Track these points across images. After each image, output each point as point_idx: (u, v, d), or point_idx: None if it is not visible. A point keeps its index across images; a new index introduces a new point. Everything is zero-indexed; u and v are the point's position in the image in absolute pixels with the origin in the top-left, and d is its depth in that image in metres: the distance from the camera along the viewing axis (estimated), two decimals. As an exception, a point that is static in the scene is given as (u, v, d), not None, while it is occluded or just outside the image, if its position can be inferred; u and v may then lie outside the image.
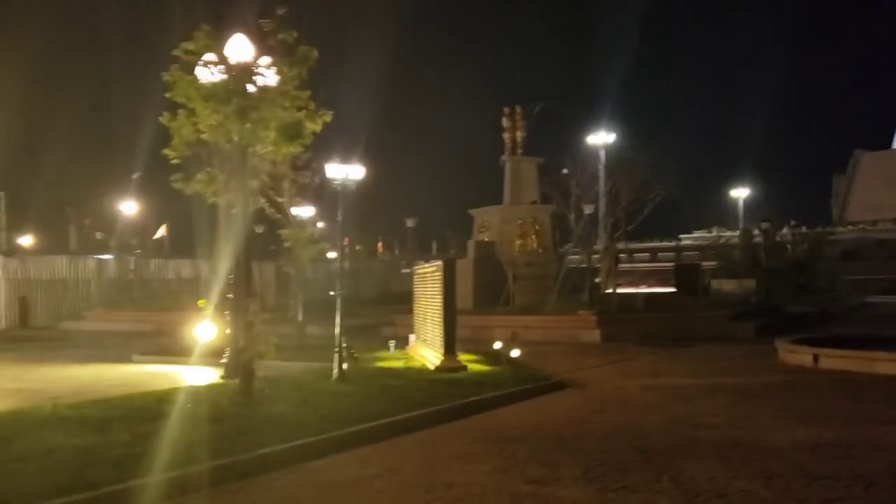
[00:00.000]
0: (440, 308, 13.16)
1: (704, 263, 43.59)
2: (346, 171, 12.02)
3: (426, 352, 14.51)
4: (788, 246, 45.89)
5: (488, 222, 30.97)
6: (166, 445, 7.47)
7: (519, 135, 31.53)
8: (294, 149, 10.33)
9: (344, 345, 12.07)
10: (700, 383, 13.17)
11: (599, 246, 26.28)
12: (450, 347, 13.13)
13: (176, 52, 9.94)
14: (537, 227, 30.07)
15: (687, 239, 64.02)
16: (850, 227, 66.70)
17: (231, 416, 8.98)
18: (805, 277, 39.45)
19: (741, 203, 69.09)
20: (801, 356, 14.87)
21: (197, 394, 10.48)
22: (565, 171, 26.18)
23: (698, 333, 21.18)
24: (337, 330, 12.10)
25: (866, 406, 10.53)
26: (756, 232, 43.37)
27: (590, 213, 23.18)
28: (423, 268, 15.60)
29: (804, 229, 52.08)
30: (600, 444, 8.51)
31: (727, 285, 30.95)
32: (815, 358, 14.39)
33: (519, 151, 31.28)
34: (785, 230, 50.51)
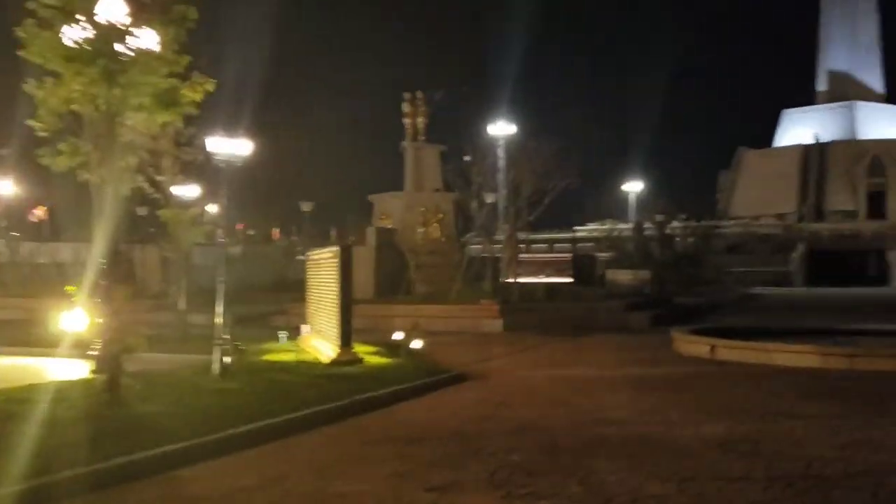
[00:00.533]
0: (336, 297, 12.33)
1: (600, 255, 44.36)
2: (230, 147, 10.98)
3: (320, 344, 13.65)
4: (678, 238, 47.15)
5: (389, 209, 30.24)
6: (10, 453, 6.42)
7: (420, 121, 30.93)
8: (170, 117, 9.27)
9: (227, 336, 11.08)
10: (603, 375, 12.88)
11: (502, 235, 25.98)
12: (346, 339, 12.34)
13: (31, 5, 8.71)
14: (440, 215, 29.54)
15: (582, 231, 65.00)
16: (734, 221, 69.28)
17: (92, 417, 7.93)
18: (694, 269, 40.56)
19: (633, 197, 70.95)
20: (698, 347, 14.84)
21: (57, 391, 9.30)
22: (467, 158, 25.71)
23: (596, 323, 21.19)
24: (218, 319, 11.10)
25: (768, 398, 10.40)
26: (648, 225, 44.38)
27: (492, 202, 22.76)
28: (318, 253, 14.69)
29: (693, 223, 53.70)
30: (506, 443, 7.95)
31: (622, 276, 31.31)
32: (712, 349, 14.38)
33: (421, 138, 30.68)
34: (675, 223, 51.98)
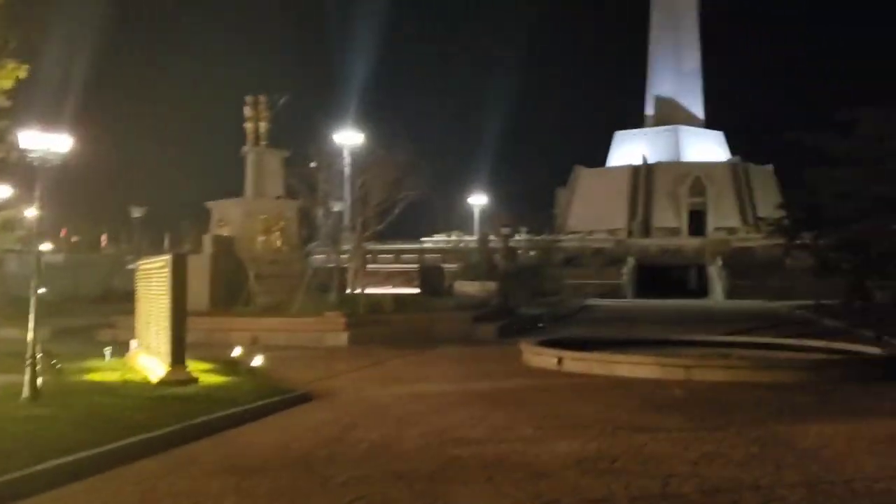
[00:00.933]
0: (167, 310, 11.27)
1: (446, 266, 44.65)
2: (46, 143, 9.75)
3: (150, 361, 12.48)
4: (520, 251, 48.40)
5: (228, 216, 28.81)
6: None
7: (262, 125, 29.78)
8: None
9: (40, 354, 9.80)
10: (453, 389, 12.58)
11: (348, 245, 25.32)
12: (178, 356, 11.30)
13: None
14: (282, 223, 28.50)
15: (429, 242, 65.43)
16: (571, 235, 72.18)
17: None
18: (536, 281, 41.68)
19: (478, 210, 72.33)
20: (545, 359, 14.93)
21: None
22: (313, 164, 24.89)
23: (444, 335, 21.05)
24: (30, 335, 9.81)
25: (616, 412, 10.46)
26: (493, 237, 45.27)
27: (339, 210, 22.09)
28: (149, 263, 13.49)
29: (535, 237, 55.37)
30: (356, 470, 7.38)
31: (469, 287, 31.51)
32: (560, 360, 14.49)
33: (262, 143, 29.55)
34: (518, 236, 53.33)
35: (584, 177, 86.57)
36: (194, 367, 12.69)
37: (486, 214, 70.10)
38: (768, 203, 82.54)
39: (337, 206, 21.55)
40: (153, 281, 12.54)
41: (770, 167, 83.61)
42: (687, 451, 8.04)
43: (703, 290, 57.63)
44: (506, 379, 13.65)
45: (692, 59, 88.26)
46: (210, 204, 29.67)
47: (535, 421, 9.82)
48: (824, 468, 7.35)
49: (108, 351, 13.80)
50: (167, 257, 11.62)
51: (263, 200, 28.79)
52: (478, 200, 74.19)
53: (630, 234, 76.79)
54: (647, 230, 77.90)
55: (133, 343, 14.27)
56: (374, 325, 21.08)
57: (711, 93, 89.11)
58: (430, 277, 38.95)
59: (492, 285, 30.36)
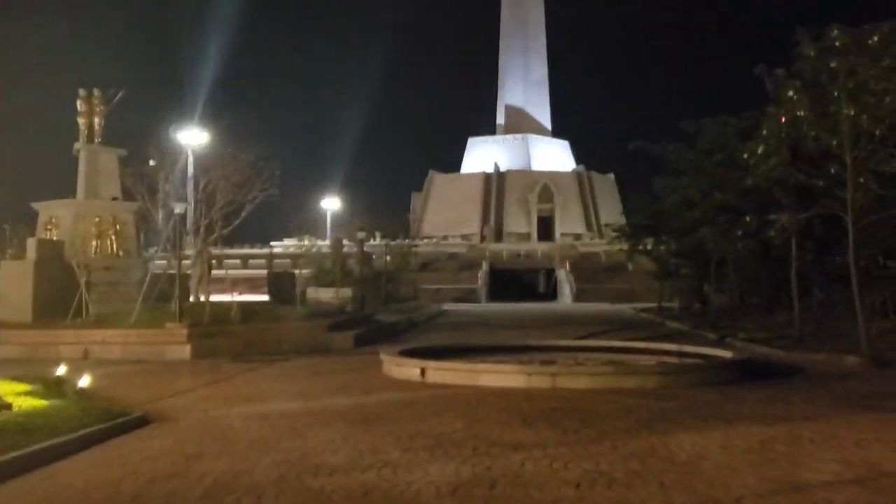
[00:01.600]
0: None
1: (298, 272, 43.13)
2: None
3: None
4: (375, 256, 47.62)
5: (57, 218, 26.28)
6: None
7: (97, 121, 27.51)
8: None
9: None
10: (309, 407, 11.60)
11: (191, 250, 23.58)
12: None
13: None
14: (118, 227, 26.33)
15: (279, 246, 63.37)
16: (427, 240, 72.24)
17: None
18: (392, 287, 41.04)
19: (331, 213, 70.90)
20: (408, 370, 14.22)
21: None
22: (152, 163, 23.01)
23: (297, 345, 19.96)
24: None
25: (487, 427, 9.88)
26: (347, 242, 44.21)
27: (180, 212, 20.45)
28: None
29: (390, 241, 54.75)
30: (201, 513, 6.34)
31: (323, 294, 30.38)
32: (423, 372, 13.83)
33: (97, 140, 27.22)
34: (373, 241, 52.53)
35: (439, 182, 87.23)
36: (7, 389, 11.03)
37: (340, 219, 68.95)
38: (611, 210, 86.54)
39: (178, 209, 19.88)
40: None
41: (612, 176, 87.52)
42: (567, 471, 7.54)
43: (552, 294, 59.20)
44: (366, 394, 12.81)
45: (540, 70, 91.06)
46: (37, 205, 26.98)
47: (403, 441, 9.06)
48: (709, 484, 7.04)
49: None
50: None
51: (97, 202, 26.48)
52: (331, 204, 72.83)
53: (483, 239, 77.94)
54: (499, 235, 79.36)
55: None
56: (220, 337, 19.62)
57: (559, 103, 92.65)
58: (281, 284, 37.39)
59: (347, 292, 29.39)
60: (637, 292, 46.74)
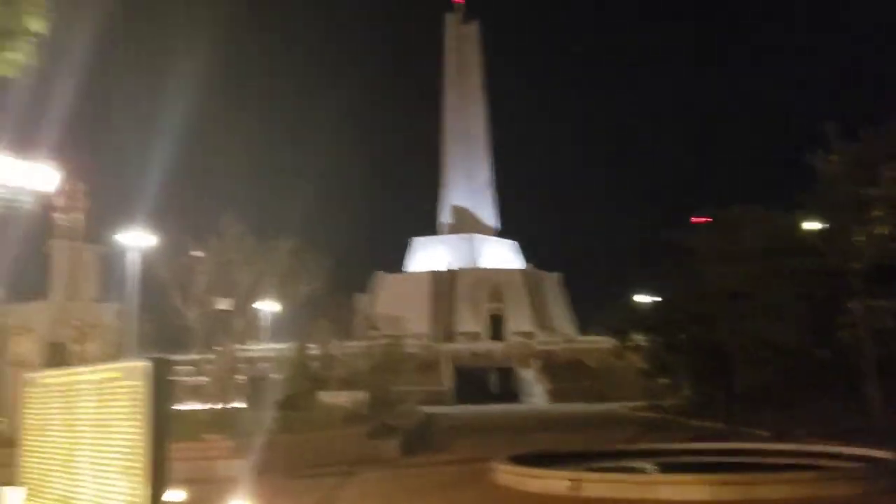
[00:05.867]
0: (134, 442, 7.68)
1: (273, 376, 40.55)
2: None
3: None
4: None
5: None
6: None
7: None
8: None
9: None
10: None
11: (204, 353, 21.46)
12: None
13: None
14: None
15: (254, 350, 60.23)
16: (382, 341, 70.11)
17: None
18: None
19: (271, 316, 68.13)
20: (550, 482, 12.50)
21: None
22: (199, 253, 21.09)
23: (341, 455, 17.95)
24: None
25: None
26: (310, 345, 42.08)
27: (228, 308, 18.54)
28: (68, 375, 9.51)
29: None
30: None
31: (334, 398, 28.27)
32: (575, 483, 12.15)
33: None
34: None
35: (385, 282, 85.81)
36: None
37: (279, 321, 66.28)
38: (557, 308, 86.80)
39: (223, 305, 18.02)
40: (83, 401, 8.72)
41: (558, 275, 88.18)
42: None
43: (514, 395, 57.72)
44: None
45: (483, 171, 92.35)
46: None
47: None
48: None
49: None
50: (135, 364, 8.05)
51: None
52: (270, 307, 69.53)
53: (435, 339, 76.34)
54: (448, 335, 77.90)
55: (12, 492, 9.95)
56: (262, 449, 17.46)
57: (503, 204, 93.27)
58: (258, 389, 34.93)
59: (361, 395, 27.40)
60: (618, 391, 45.91)
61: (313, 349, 42.33)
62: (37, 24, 6.57)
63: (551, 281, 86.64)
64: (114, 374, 8.09)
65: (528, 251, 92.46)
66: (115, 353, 24.72)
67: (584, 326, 76.44)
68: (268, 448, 17.89)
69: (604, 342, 49.97)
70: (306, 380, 34.84)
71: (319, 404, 26.69)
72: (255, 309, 65.30)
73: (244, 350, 60.14)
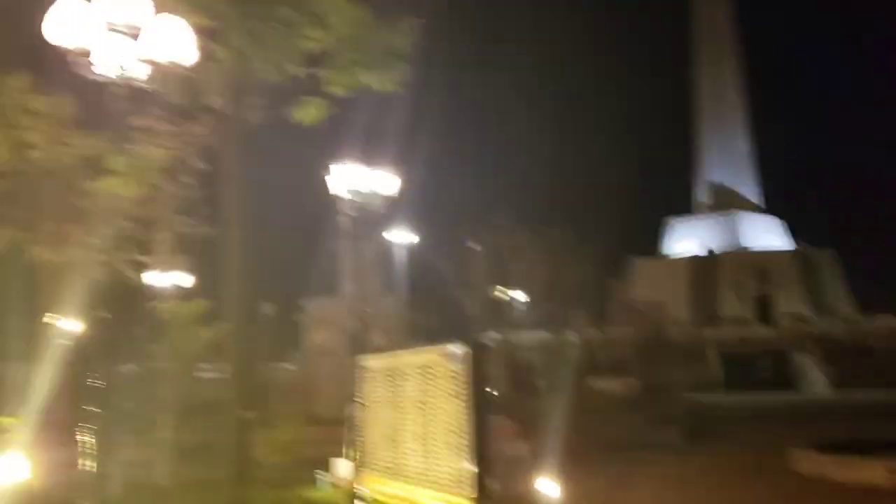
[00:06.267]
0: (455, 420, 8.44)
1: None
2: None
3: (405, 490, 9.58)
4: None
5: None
6: None
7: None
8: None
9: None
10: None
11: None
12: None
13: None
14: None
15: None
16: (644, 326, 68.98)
17: None
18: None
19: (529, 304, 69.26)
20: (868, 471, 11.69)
21: None
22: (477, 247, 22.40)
23: (618, 440, 17.92)
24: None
25: None
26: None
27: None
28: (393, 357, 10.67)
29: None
30: None
31: (606, 384, 28.45)
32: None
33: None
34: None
35: (644, 268, 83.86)
36: None
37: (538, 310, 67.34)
38: (833, 288, 79.68)
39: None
40: (407, 381, 9.75)
41: (831, 252, 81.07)
42: None
43: (787, 381, 54.29)
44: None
45: (741, 142, 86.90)
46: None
47: None
48: None
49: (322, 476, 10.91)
50: (455, 348, 8.88)
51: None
52: (531, 296, 70.47)
53: (699, 325, 73.60)
54: (713, 320, 74.66)
55: (343, 464, 11.35)
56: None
57: (765, 178, 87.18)
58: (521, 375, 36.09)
59: (633, 381, 27.34)
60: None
61: (574, 336, 42.80)
62: (407, 43, 7.61)
63: (825, 259, 79.77)
64: (435, 358, 8.90)
65: (794, 226, 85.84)
66: (399, 341, 26.78)
67: (865, 306, 69.80)
68: (548, 432, 18.46)
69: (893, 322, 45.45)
70: (572, 366, 35.36)
71: (588, 391, 26.94)
72: (523, 298, 67.07)
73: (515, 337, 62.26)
